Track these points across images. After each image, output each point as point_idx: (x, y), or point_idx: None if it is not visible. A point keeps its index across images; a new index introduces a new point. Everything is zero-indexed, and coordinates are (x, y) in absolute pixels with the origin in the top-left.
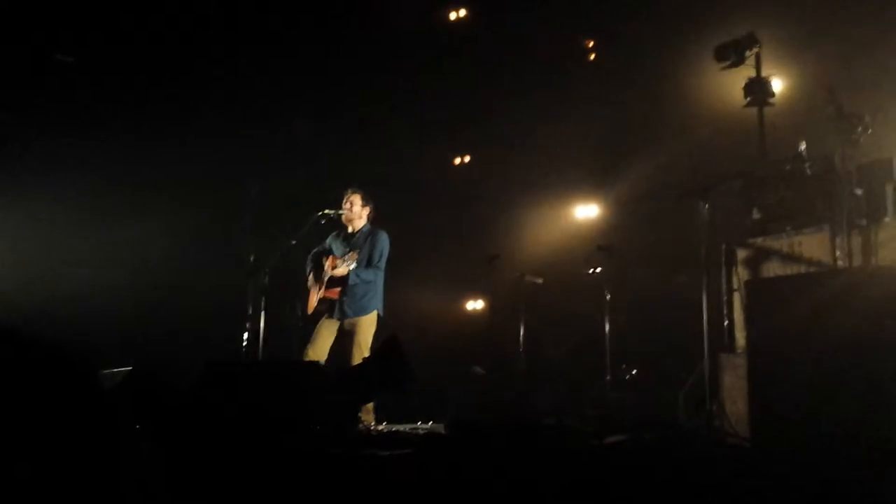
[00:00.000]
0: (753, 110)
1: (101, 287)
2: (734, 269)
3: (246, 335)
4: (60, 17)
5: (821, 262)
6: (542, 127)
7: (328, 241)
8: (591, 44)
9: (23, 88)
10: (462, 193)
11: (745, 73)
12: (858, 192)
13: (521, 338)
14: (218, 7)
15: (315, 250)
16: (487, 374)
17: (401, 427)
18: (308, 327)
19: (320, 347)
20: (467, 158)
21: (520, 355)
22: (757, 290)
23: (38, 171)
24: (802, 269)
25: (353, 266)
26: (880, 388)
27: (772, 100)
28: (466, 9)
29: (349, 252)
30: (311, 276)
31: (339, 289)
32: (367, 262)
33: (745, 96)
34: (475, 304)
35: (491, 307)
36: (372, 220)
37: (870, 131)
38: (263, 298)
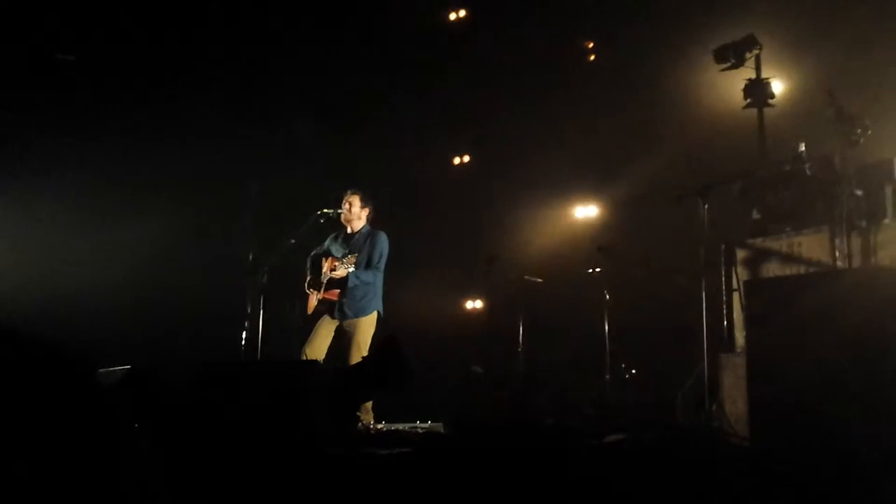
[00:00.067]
0: (753, 111)
1: (100, 286)
2: (734, 269)
3: (244, 334)
4: (60, 17)
5: (820, 263)
6: (542, 127)
7: (327, 242)
8: (591, 44)
9: (23, 88)
10: (461, 193)
11: (745, 74)
12: (858, 193)
13: (520, 338)
14: (218, 7)
15: (314, 252)
16: (487, 373)
17: (400, 426)
18: (307, 327)
19: (318, 347)
20: (466, 158)
21: (519, 355)
22: (756, 291)
23: (38, 171)
24: (802, 269)
25: (351, 269)
26: (880, 388)
27: (772, 101)
28: (466, 9)
29: (348, 254)
30: (310, 278)
31: (338, 290)
32: (366, 264)
33: (745, 98)
34: (474, 304)
35: (490, 307)
36: (371, 220)
37: (869, 133)
38: (262, 298)
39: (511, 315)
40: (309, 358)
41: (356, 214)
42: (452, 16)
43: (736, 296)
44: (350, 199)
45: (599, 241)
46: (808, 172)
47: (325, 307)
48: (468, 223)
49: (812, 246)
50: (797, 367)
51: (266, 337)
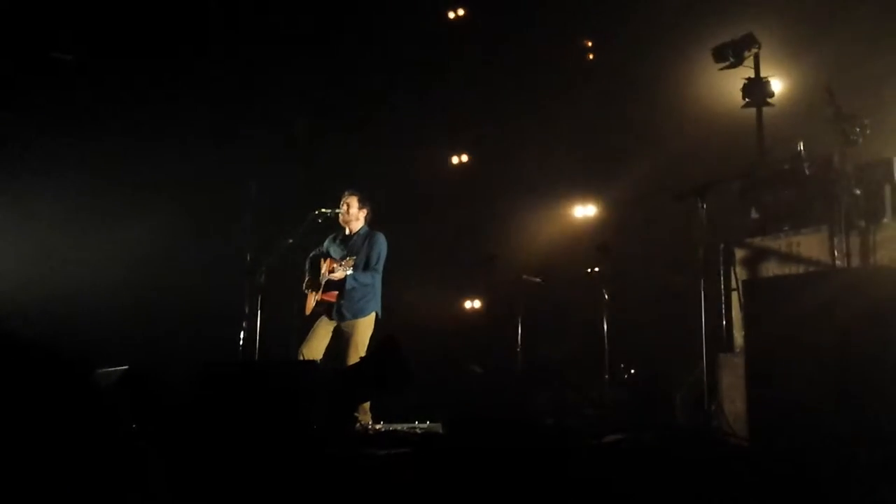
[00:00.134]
0: (752, 110)
1: (99, 286)
2: (732, 268)
3: (243, 335)
4: (60, 16)
5: (819, 263)
6: (541, 127)
7: (326, 243)
8: (590, 44)
9: (23, 88)
10: (460, 193)
11: (744, 73)
12: (857, 192)
13: (519, 337)
14: (218, 7)
15: (313, 253)
16: (485, 373)
17: (398, 427)
18: (305, 327)
19: (315, 347)
20: (466, 158)
21: (518, 355)
22: (755, 290)
23: (38, 171)
24: (801, 269)
25: (350, 271)
26: (879, 388)
27: (770, 100)
28: (466, 8)
29: (346, 256)
30: (308, 279)
31: (336, 292)
32: (364, 266)
33: (744, 97)
34: (473, 304)
35: (489, 307)
36: (369, 221)
37: (868, 132)
38: (260, 298)
39: (510, 315)
40: (306, 358)
41: (354, 215)
42: (451, 14)
43: (735, 295)
44: (348, 200)
45: (598, 241)
46: (806, 172)
47: (324, 308)
48: (467, 223)
49: (811, 245)
50: (796, 367)
51: (264, 337)
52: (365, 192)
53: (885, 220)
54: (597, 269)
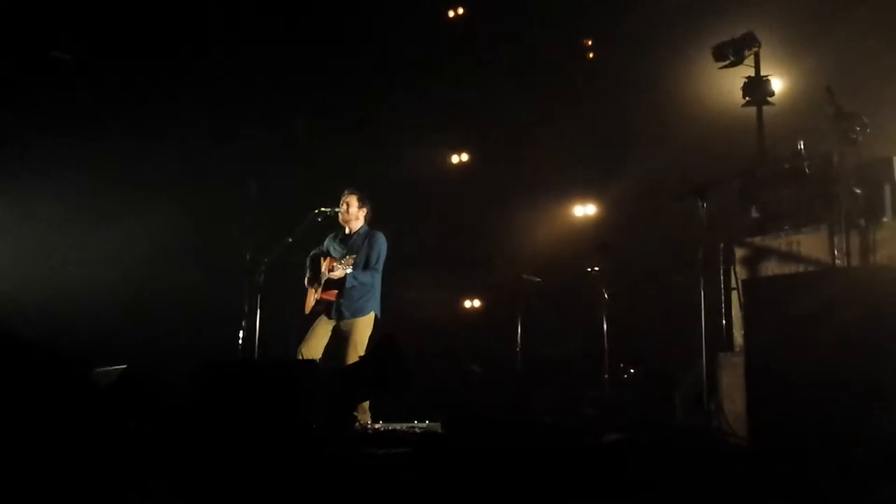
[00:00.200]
0: (752, 109)
1: (99, 286)
2: (732, 267)
3: (242, 334)
4: (60, 16)
5: (819, 262)
6: (541, 126)
7: (326, 242)
8: (590, 43)
9: (23, 88)
10: (460, 193)
11: (744, 72)
12: (857, 191)
13: (518, 337)
14: (218, 7)
15: (313, 252)
16: (485, 373)
17: (398, 426)
18: (304, 326)
19: (314, 346)
20: (465, 158)
21: (517, 354)
22: (755, 289)
23: (38, 171)
24: (800, 268)
25: (349, 270)
26: (879, 387)
27: (771, 99)
28: (465, 7)
29: (346, 255)
30: (308, 278)
31: (336, 291)
32: (364, 265)
33: (744, 96)
34: (473, 303)
35: (489, 306)
36: (369, 220)
37: (868, 131)
38: (259, 297)
39: (509, 314)
40: (305, 357)
41: (354, 215)
42: (451, 14)
43: (734, 294)
44: (347, 200)
45: (598, 241)
46: (806, 171)
47: (323, 307)
48: (467, 222)
49: (811, 244)
50: (796, 366)
51: (263, 336)
52: (364, 192)
53: (885, 220)
54: (596, 269)
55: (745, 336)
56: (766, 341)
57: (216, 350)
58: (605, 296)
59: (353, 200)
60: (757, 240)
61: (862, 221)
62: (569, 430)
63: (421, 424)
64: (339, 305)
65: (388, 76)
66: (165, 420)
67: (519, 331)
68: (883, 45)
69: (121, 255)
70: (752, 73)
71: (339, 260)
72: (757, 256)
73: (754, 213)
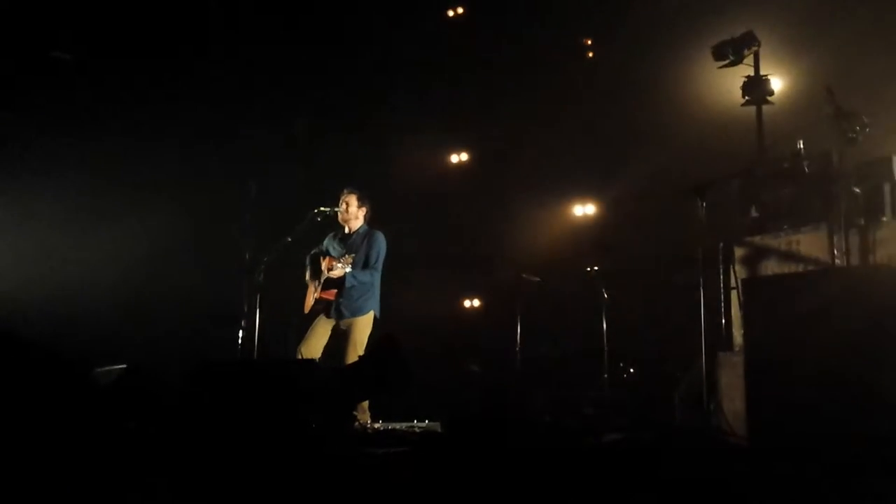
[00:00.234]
0: (752, 108)
1: (99, 286)
2: (732, 267)
3: (241, 333)
4: (60, 16)
5: (818, 261)
6: (540, 126)
7: (325, 241)
8: (590, 42)
9: (23, 88)
10: (460, 192)
11: (744, 71)
12: (856, 190)
13: (518, 336)
14: (218, 7)
15: (313, 251)
16: (484, 372)
17: (397, 426)
18: (304, 326)
19: (314, 346)
20: (465, 157)
21: (517, 354)
22: (754, 289)
23: (38, 171)
24: (800, 267)
25: (348, 269)
26: (878, 386)
27: (770, 98)
28: (465, 7)
29: (345, 254)
30: (307, 277)
31: (335, 290)
32: (363, 264)
33: (744, 95)
34: (472, 303)
35: (488, 305)
36: (369, 220)
37: (868, 130)
38: (259, 296)
39: (509, 313)
40: (305, 357)
41: (353, 214)
42: (451, 13)
43: (734, 294)
44: (347, 199)
45: (597, 240)
46: (806, 170)
47: (322, 306)
48: (467, 222)
49: (810, 244)
50: (795, 366)
51: (263, 336)
52: (364, 191)
53: (885, 219)
54: (596, 268)
55: (745, 335)
56: (766, 341)
57: (216, 350)
58: (605, 295)
59: (353, 200)
60: (756, 239)
61: (861, 221)
62: (568, 430)
63: (420, 424)
64: (339, 305)
65: (388, 76)
66: (165, 420)
67: (518, 330)
68: (882, 45)
69: (121, 255)
70: (751, 72)
71: (338, 259)
72: (756, 256)
73: (754, 213)
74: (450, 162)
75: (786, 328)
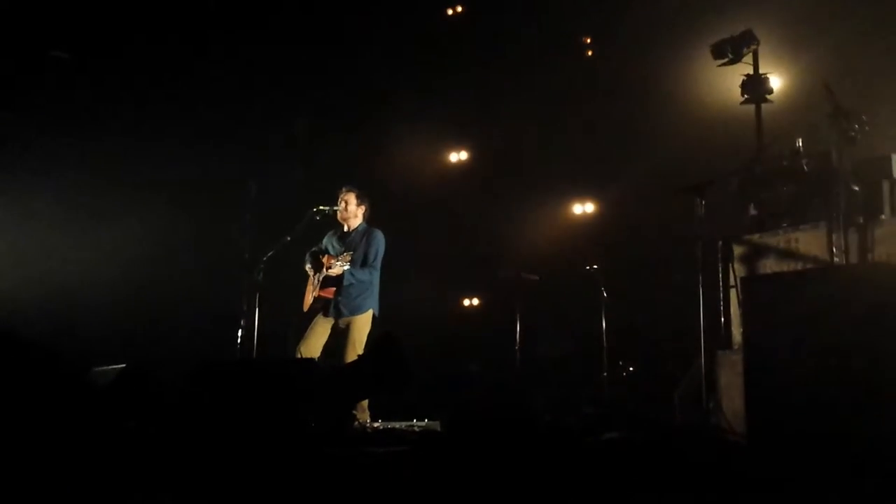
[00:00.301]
0: (751, 107)
1: (98, 286)
2: (730, 265)
3: (241, 333)
4: (60, 16)
5: (817, 259)
6: (540, 125)
7: (324, 240)
8: (589, 41)
9: (23, 88)
10: (459, 191)
11: (743, 69)
12: (855, 188)
13: (517, 335)
14: (218, 7)
15: (312, 249)
16: (483, 371)
17: (397, 425)
18: (303, 324)
19: (313, 345)
20: (464, 156)
21: (516, 353)
22: (753, 287)
23: (38, 171)
24: (799, 265)
25: (347, 267)
26: (877, 384)
27: (769, 97)
28: (465, 6)
29: (344, 252)
30: (311, 264)
31: (333, 288)
32: (362, 262)
33: (743, 94)
34: (472, 302)
35: (487, 304)
36: (368, 218)
37: (867, 128)
38: (258, 295)
39: (508, 312)
40: (304, 356)
41: (352, 212)
42: (450, 11)
43: (733, 292)
44: (345, 198)
45: (596, 238)
46: (805, 168)
47: (321, 305)
48: (466, 221)
49: (809, 242)
50: (794, 364)
51: (262, 335)
52: (363, 189)
53: (884, 217)
54: (595, 267)
55: (744, 334)
56: (765, 339)
57: (215, 349)
58: (604, 294)
59: (352, 198)
60: (755, 237)
61: (860, 219)
62: (568, 429)
63: (420, 423)
64: (337, 303)
65: (388, 76)
66: (165, 420)
67: (518, 329)
68: (881, 43)
69: (121, 254)
70: (750, 70)
71: (336, 257)
72: (755, 254)
73: (753, 211)
74: (449, 161)
75: (785, 327)
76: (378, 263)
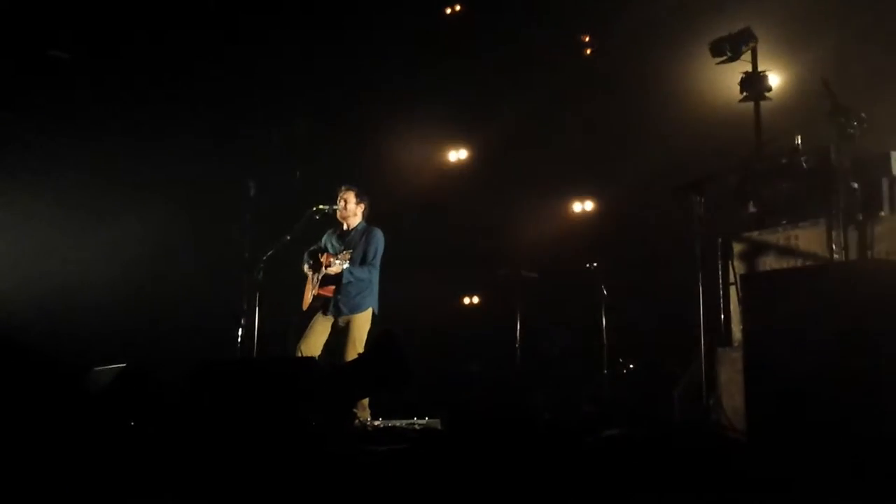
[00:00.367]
0: (750, 104)
1: (98, 286)
2: (730, 262)
3: (241, 331)
4: (60, 16)
5: (817, 256)
6: (539, 123)
7: (324, 238)
8: (588, 39)
9: (23, 88)
10: (459, 190)
11: (742, 67)
12: (855, 185)
13: (517, 333)
14: (218, 7)
15: (311, 248)
16: (483, 369)
17: (397, 423)
18: (303, 323)
19: (313, 343)
20: (464, 155)
21: (516, 351)
22: (753, 284)
23: (38, 171)
24: (798, 262)
25: (346, 265)
26: (877, 381)
27: (768, 94)
28: (463, 5)
29: (343, 251)
30: (310, 263)
31: (333, 287)
32: (361, 260)
33: (741, 91)
34: (471, 300)
35: (487, 303)
36: (367, 217)
37: (866, 125)
38: (258, 295)
39: (508, 311)
40: (304, 354)
41: (351, 211)
42: (448, 10)
43: (732, 290)
44: (345, 196)
45: (596, 236)
46: (804, 165)
47: (320, 303)
48: (466, 219)
49: (809, 239)
50: (794, 361)
51: (262, 334)
52: (362, 187)
53: (883, 214)
54: (594, 265)
55: (744, 331)
56: (765, 336)
57: (215, 348)
58: (604, 292)
59: (351, 196)
60: (755, 235)
61: (860, 216)
62: (567, 426)
63: (420, 421)
64: (337, 301)
65: (387, 76)
66: (165, 420)
67: (517, 327)
68: (880, 40)
69: (120, 254)
70: (749, 68)
71: (335, 255)
72: (755, 251)
73: (752, 208)
74: (448, 159)
75: (785, 323)
76: (377, 262)
